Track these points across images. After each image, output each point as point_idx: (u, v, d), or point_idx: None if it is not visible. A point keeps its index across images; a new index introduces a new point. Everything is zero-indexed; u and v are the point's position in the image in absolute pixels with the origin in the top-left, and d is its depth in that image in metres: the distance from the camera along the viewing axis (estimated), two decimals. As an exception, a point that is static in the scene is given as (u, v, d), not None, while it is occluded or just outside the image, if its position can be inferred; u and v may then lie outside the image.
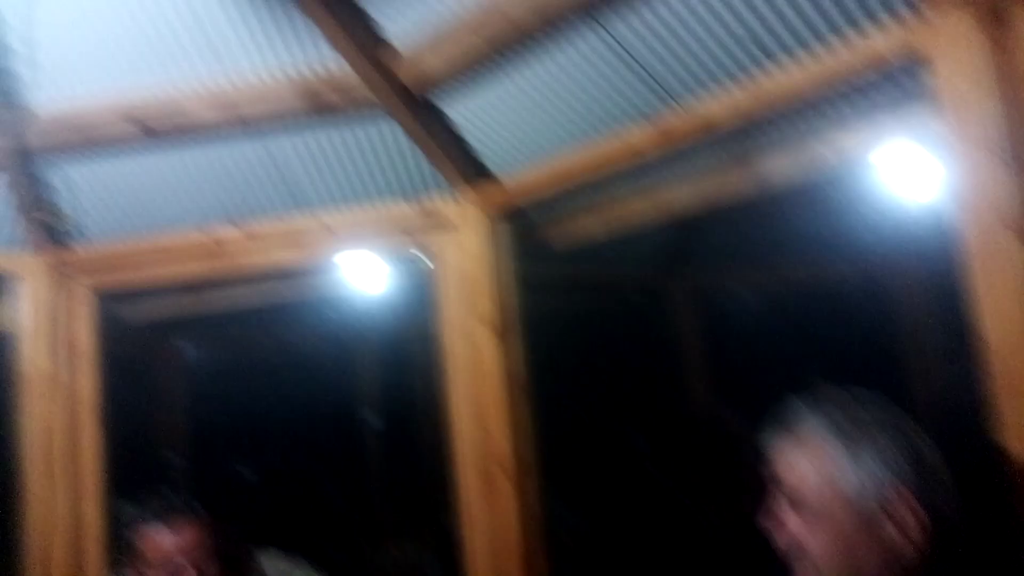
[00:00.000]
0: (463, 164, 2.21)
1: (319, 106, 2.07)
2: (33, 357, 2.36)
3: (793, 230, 2.77)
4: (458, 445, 2.26)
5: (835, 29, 1.53)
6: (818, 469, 1.17)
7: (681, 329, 3.51)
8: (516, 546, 2.16)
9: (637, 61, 1.78)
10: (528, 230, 2.39)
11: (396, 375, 4.52)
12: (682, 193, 2.15)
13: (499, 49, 1.81)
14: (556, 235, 2.48)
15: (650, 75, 1.81)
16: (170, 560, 1.85)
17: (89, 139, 2.18)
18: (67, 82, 2.09)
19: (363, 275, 2.52)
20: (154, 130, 2.14)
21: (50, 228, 2.38)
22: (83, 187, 2.35)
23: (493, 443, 2.20)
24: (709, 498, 2.84)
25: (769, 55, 1.64)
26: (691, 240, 3.28)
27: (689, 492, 2.86)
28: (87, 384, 2.41)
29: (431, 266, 2.31)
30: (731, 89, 1.72)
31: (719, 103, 1.74)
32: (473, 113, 2.08)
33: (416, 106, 2.03)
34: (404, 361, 4.43)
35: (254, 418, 4.17)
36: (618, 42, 1.75)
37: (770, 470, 1.24)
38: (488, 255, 2.25)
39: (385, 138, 2.19)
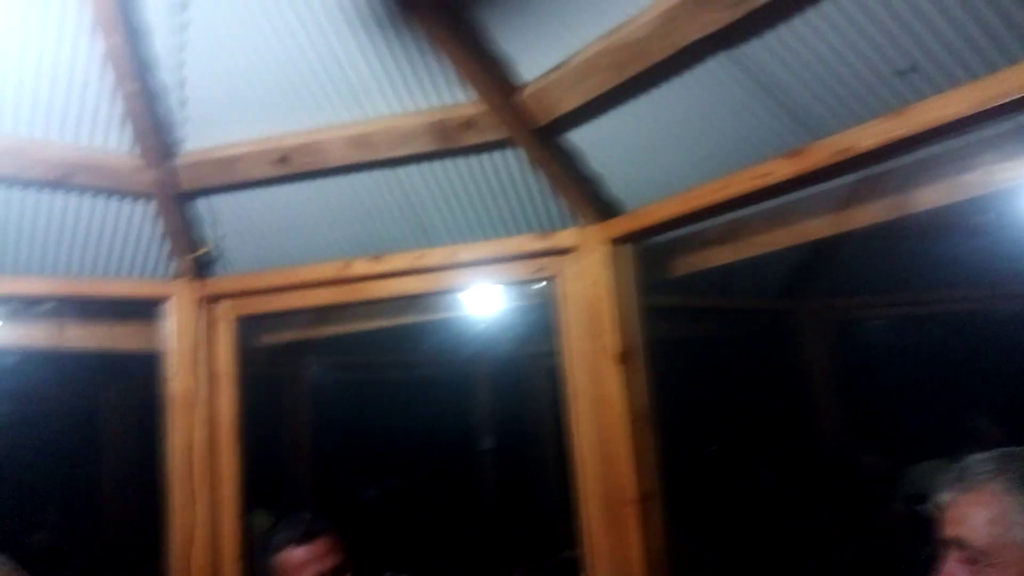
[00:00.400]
0: (589, 195, 2.21)
1: (449, 141, 2.12)
2: (177, 377, 2.51)
3: (938, 257, 2.61)
4: (581, 475, 2.25)
5: (1006, 52, 1.44)
6: (996, 521, 1.10)
7: (810, 358, 3.37)
8: (640, 579, 2.12)
9: (779, 90, 1.74)
10: (652, 257, 2.36)
11: (518, 401, 4.57)
12: (819, 221, 2.08)
13: (628, 81, 1.81)
14: (681, 262, 2.44)
15: (793, 104, 1.75)
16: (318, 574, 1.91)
17: (233, 174, 2.31)
18: (215, 121, 2.23)
19: (487, 303, 2.55)
20: (294, 167, 2.25)
21: (195, 257, 2.53)
22: (226, 219, 2.49)
23: (616, 473, 2.17)
24: (840, 535, 2.71)
25: (929, 82, 1.56)
26: (822, 263, 3.14)
27: (819, 529, 2.74)
28: (227, 404, 2.54)
29: (554, 295, 2.32)
30: (883, 118, 1.63)
31: (868, 132, 1.65)
32: (601, 144, 2.08)
33: (544, 139, 2.05)
34: (525, 388, 4.48)
35: (374, 438, 4.28)
36: (758, 70, 1.71)
37: (939, 526, 1.17)
38: (611, 284, 2.23)
39: (512, 170, 2.22)
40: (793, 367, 3.37)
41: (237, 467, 2.51)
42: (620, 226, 2.23)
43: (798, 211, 2.17)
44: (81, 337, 2.63)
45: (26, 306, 2.53)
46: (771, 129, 1.85)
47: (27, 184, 2.25)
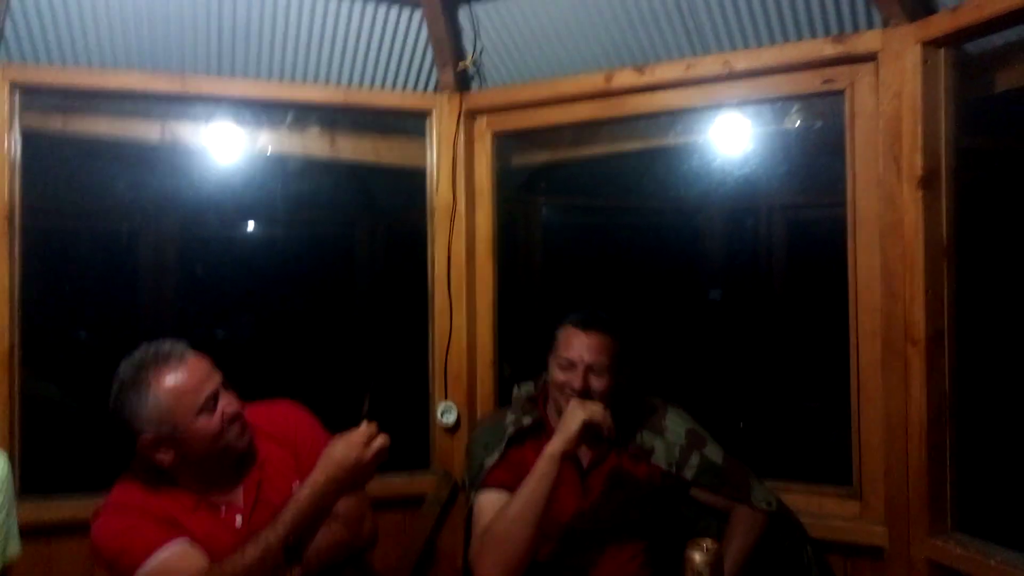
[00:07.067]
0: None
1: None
2: (438, 191, 2.57)
3: None
4: (857, 311, 2.07)
5: None
6: None
7: None
8: (918, 423, 1.94)
9: None
10: (969, 65, 2.01)
11: (752, 256, 4.40)
12: None
13: None
14: (1005, 73, 2.06)
15: None
16: (578, 358, 1.91)
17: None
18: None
19: (738, 134, 2.31)
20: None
21: (458, 70, 2.51)
22: (487, 30, 2.43)
23: (903, 310, 1.97)
24: None
25: None
26: None
27: None
28: (484, 219, 2.58)
29: (845, 109, 2.06)
30: None
31: None
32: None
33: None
34: (761, 243, 4.28)
35: (597, 283, 4.26)
36: None
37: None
38: (918, 95, 1.93)
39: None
40: None
41: (493, 279, 2.57)
42: (938, 25, 1.89)
43: None
44: (350, 149, 2.75)
45: (303, 114, 2.66)
46: None
47: (308, -12, 2.30)
